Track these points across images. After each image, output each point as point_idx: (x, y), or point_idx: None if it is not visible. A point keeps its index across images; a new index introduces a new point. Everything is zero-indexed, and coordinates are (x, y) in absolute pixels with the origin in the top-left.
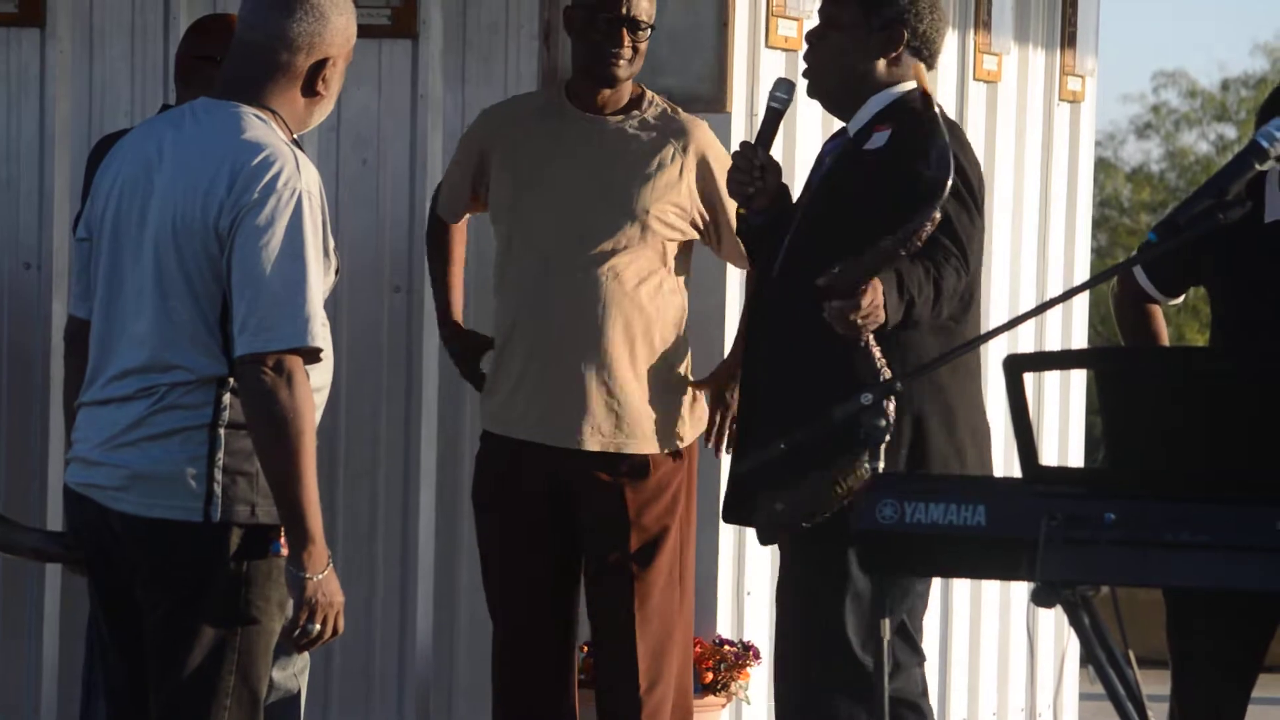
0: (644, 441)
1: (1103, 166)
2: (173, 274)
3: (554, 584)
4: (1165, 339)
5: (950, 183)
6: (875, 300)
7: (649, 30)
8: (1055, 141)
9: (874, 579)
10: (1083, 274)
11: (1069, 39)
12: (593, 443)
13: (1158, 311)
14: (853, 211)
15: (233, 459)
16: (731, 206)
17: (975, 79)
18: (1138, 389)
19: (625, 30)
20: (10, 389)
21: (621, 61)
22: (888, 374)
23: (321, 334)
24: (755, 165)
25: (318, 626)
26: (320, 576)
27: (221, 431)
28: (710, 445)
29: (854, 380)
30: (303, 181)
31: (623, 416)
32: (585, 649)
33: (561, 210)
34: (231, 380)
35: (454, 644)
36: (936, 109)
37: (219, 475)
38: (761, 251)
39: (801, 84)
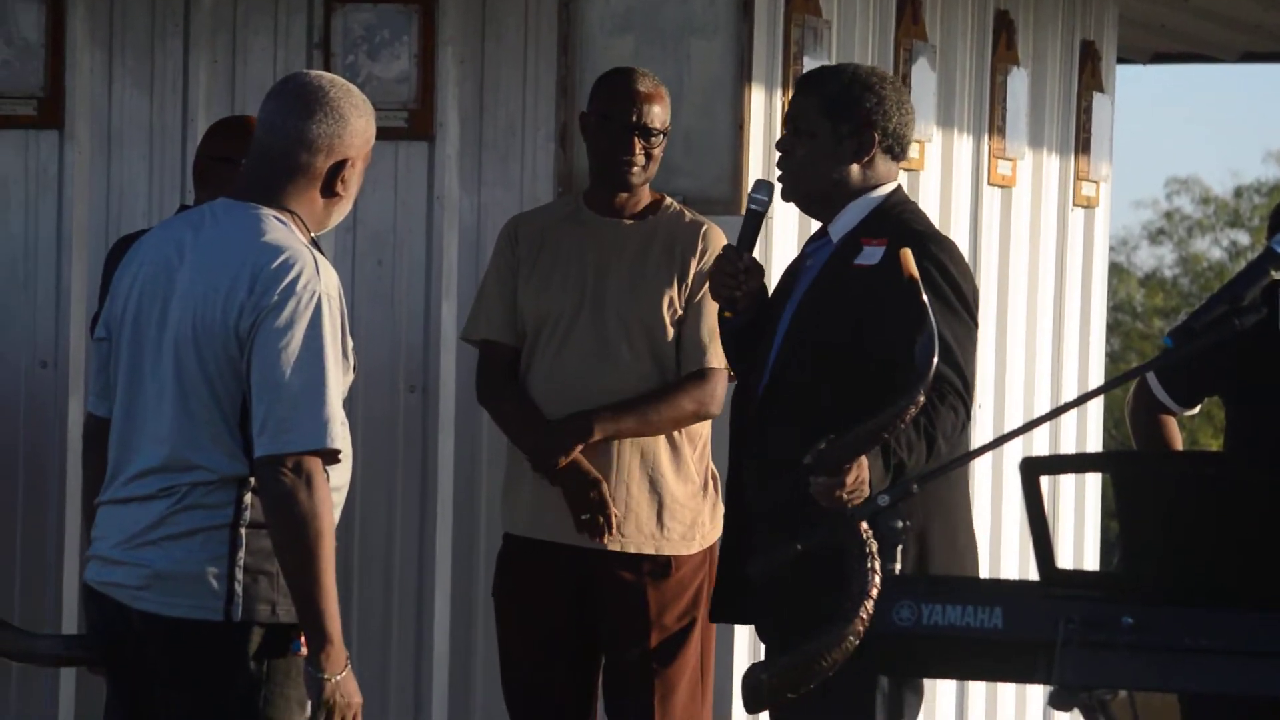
0: (675, 542)
1: (1116, 271)
2: (193, 374)
3: (573, 683)
4: (1180, 448)
5: (932, 371)
6: (860, 476)
7: (663, 136)
8: (1069, 246)
9: (889, 682)
10: (1097, 378)
11: (1083, 145)
12: (619, 544)
13: (1172, 422)
14: (843, 329)
15: (254, 558)
16: (709, 310)
17: (990, 184)
18: (1154, 493)
19: (637, 137)
20: (26, 487)
21: (635, 168)
22: (873, 548)
23: (340, 435)
24: (740, 269)
25: None
26: (339, 678)
27: (243, 531)
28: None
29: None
30: (322, 284)
31: (650, 517)
32: None
33: (585, 316)
34: (253, 480)
35: None
36: (918, 283)
37: (240, 575)
38: (743, 356)
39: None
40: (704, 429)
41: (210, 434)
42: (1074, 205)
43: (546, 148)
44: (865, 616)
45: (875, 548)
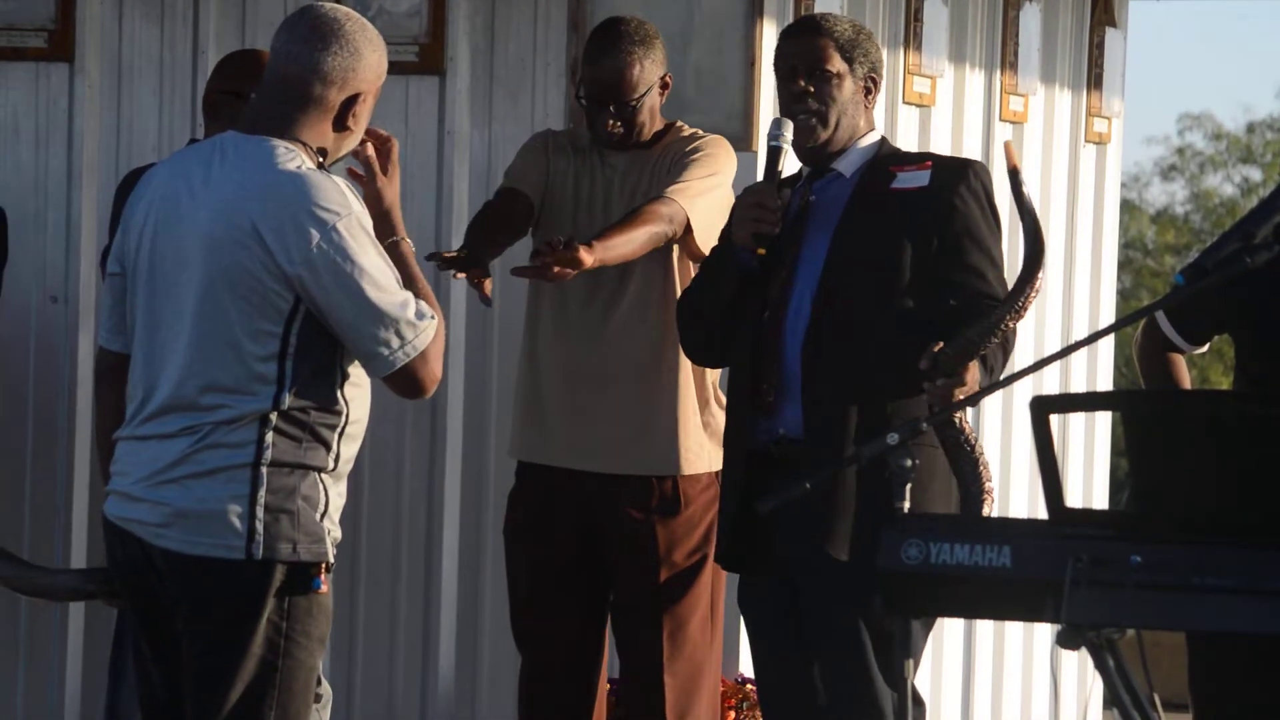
0: (675, 460)
1: (1127, 208)
2: (218, 313)
3: (582, 618)
4: (1189, 386)
5: (1044, 258)
6: (974, 378)
7: (640, 101)
8: (1081, 183)
9: (898, 619)
10: (1108, 316)
11: (1095, 80)
12: (618, 466)
13: (1181, 360)
14: (895, 252)
15: (275, 497)
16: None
17: (1001, 119)
18: (1165, 432)
19: (610, 108)
20: (36, 422)
21: (615, 137)
22: (981, 452)
23: (423, 307)
24: (777, 205)
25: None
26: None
27: (264, 470)
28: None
29: (953, 468)
30: (351, 204)
31: (651, 441)
32: (610, 685)
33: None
34: (274, 418)
35: (477, 681)
36: (1020, 173)
37: (261, 513)
38: (751, 296)
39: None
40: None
41: (234, 371)
42: (1086, 141)
43: (557, 83)
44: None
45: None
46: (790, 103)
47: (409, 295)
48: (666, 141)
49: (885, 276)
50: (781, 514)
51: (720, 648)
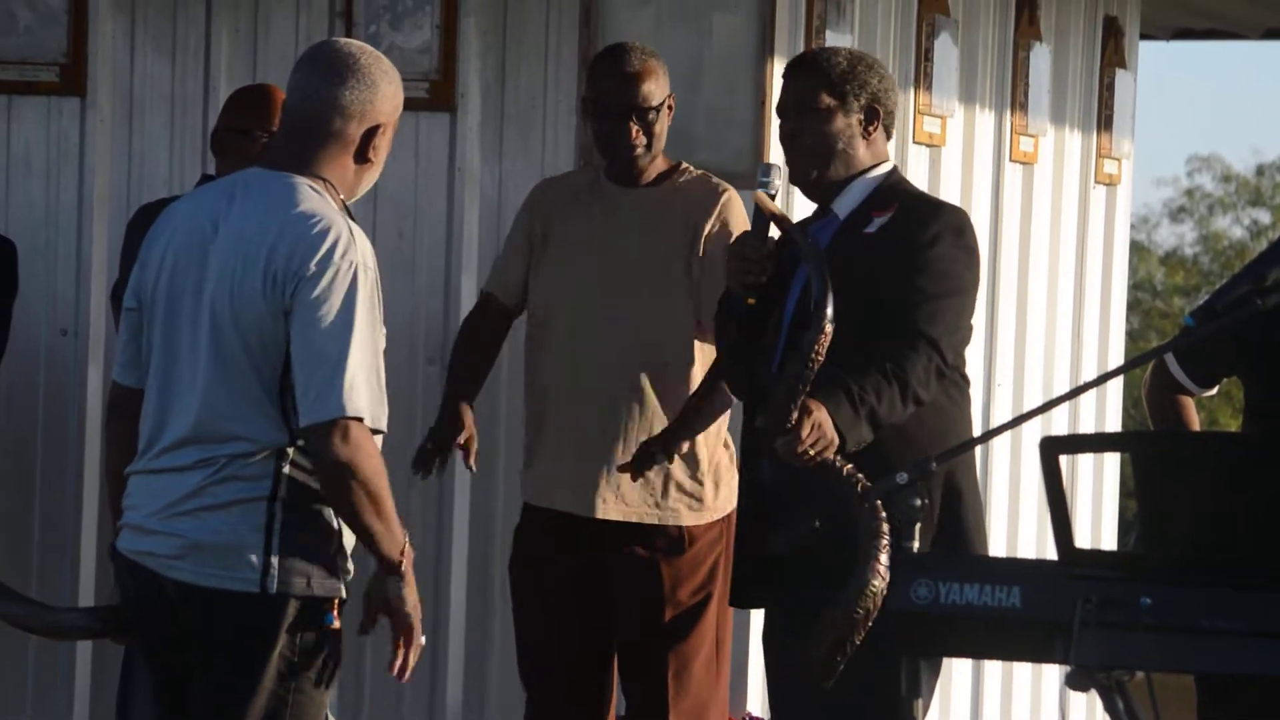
0: (680, 513)
1: (1136, 250)
2: (231, 345)
3: (588, 656)
4: (1197, 428)
5: (830, 303)
6: (816, 421)
7: (659, 111)
8: (1090, 224)
9: (906, 660)
10: (1117, 357)
11: (1105, 121)
12: (622, 512)
13: (1189, 402)
14: (861, 295)
15: (290, 532)
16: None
17: (1011, 160)
18: (1174, 473)
19: (633, 120)
20: (46, 455)
21: (638, 149)
22: (865, 484)
23: (368, 406)
24: (762, 255)
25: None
26: (404, 589)
27: (279, 504)
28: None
29: (832, 500)
30: (358, 253)
31: (659, 488)
32: None
33: (598, 287)
34: (290, 452)
35: (484, 718)
36: (788, 221)
37: (276, 547)
38: (753, 338)
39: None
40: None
41: (249, 404)
42: (1095, 182)
43: (568, 120)
44: (882, 570)
45: (886, 528)
46: (782, 141)
47: (370, 378)
48: (678, 183)
49: (855, 322)
50: (787, 554)
51: (726, 686)
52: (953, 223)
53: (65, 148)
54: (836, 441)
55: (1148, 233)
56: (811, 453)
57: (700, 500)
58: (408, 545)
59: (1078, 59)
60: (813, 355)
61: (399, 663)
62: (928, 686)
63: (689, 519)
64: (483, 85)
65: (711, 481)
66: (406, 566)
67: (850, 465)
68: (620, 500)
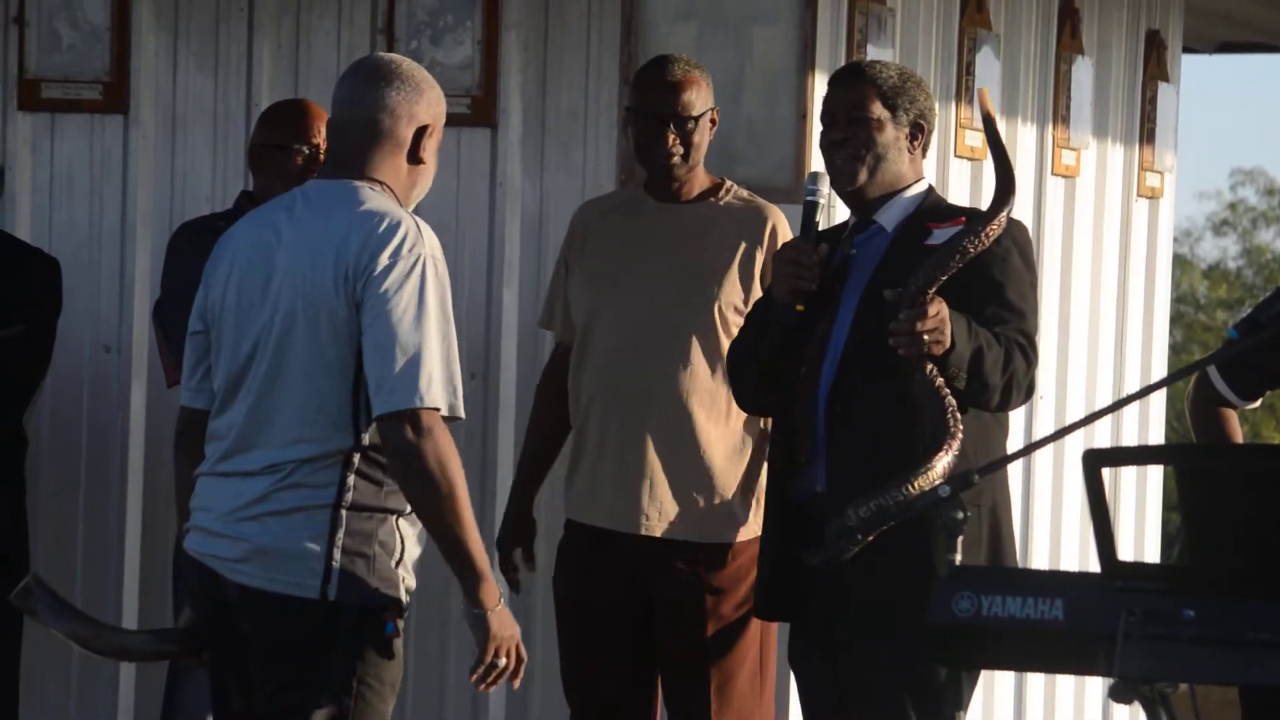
0: (723, 528)
1: (1179, 263)
2: (301, 348)
3: (631, 670)
4: (1239, 441)
5: (1013, 196)
6: (941, 314)
7: (699, 122)
8: (1133, 237)
9: (948, 672)
10: (1160, 370)
11: (1148, 135)
12: (666, 530)
13: (1233, 415)
14: None
15: (353, 540)
16: None
17: (1054, 174)
18: (1217, 486)
19: (671, 128)
20: (89, 471)
21: (675, 159)
22: (952, 401)
23: (443, 395)
24: (814, 262)
25: (503, 660)
26: (497, 610)
27: (344, 512)
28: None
29: (914, 404)
30: (426, 246)
31: (700, 505)
32: None
33: (638, 300)
34: (356, 459)
35: None
36: (994, 120)
37: (339, 555)
38: (795, 350)
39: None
40: (758, 425)
41: (318, 410)
42: (1138, 196)
43: (609, 134)
44: (942, 466)
45: (960, 434)
46: (828, 149)
47: (444, 368)
48: (722, 202)
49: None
50: (820, 568)
51: (771, 701)
52: (1020, 239)
53: (108, 165)
54: (948, 344)
55: (1190, 246)
56: (926, 338)
57: (741, 516)
58: (490, 577)
59: (1120, 72)
60: (982, 234)
61: (479, 672)
62: (966, 698)
63: (729, 536)
64: (524, 100)
65: (754, 497)
66: (489, 592)
67: (941, 378)
68: (663, 518)
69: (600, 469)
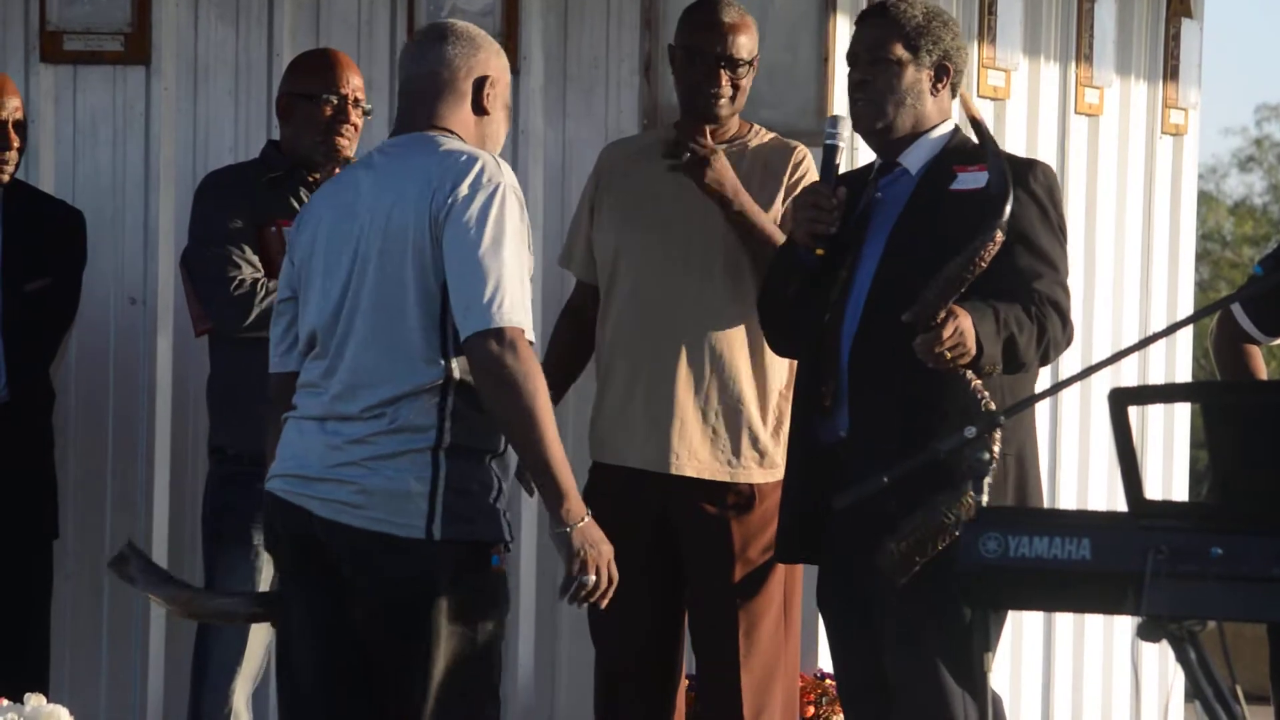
0: (751, 470)
1: (1204, 200)
2: (391, 285)
3: (658, 614)
4: (1265, 377)
5: (1010, 202)
6: (960, 328)
7: (749, 66)
8: (1157, 175)
9: (976, 613)
10: (1186, 307)
11: (1171, 72)
12: (695, 469)
13: (1257, 352)
14: (945, 249)
15: (454, 478)
16: None
17: (1077, 112)
18: (1244, 423)
19: (724, 69)
20: (116, 424)
21: (722, 100)
22: (991, 405)
23: (525, 319)
24: (834, 204)
25: (591, 577)
26: (582, 524)
27: (443, 453)
28: None
29: (952, 416)
30: (504, 177)
31: (730, 444)
32: (688, 682)
33: (664, 241)
34: (450, 395)
35: (555, 677)
36: (983, 123)
37: (441, 493)
38: (816, 294)
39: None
40: (786, 366)
41: (410, 348)
42: (1162, 133)
43: (630, 81)
44: (977, 492)
45: (981, 387)
46: (850, 90)
47: (523, 292)
48: (750, 144)
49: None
50: (845, 511)
51: (798, 643)
52: (1047, 182)
53: (131, 117)
54: (974, 352)
55: (1216, 183)
56: (948, 355)
57: (770, 457)
58: (575, 494)
59: (1143, 9)
60: (977, 259)
61: (568, 590)
62: (995, 638)
63: (759, 476)
64: (545, 47)
65: (781, 439)
66: (572, 509)
67: (979, 381)
68: (693, 457)
69: (630, 409)
